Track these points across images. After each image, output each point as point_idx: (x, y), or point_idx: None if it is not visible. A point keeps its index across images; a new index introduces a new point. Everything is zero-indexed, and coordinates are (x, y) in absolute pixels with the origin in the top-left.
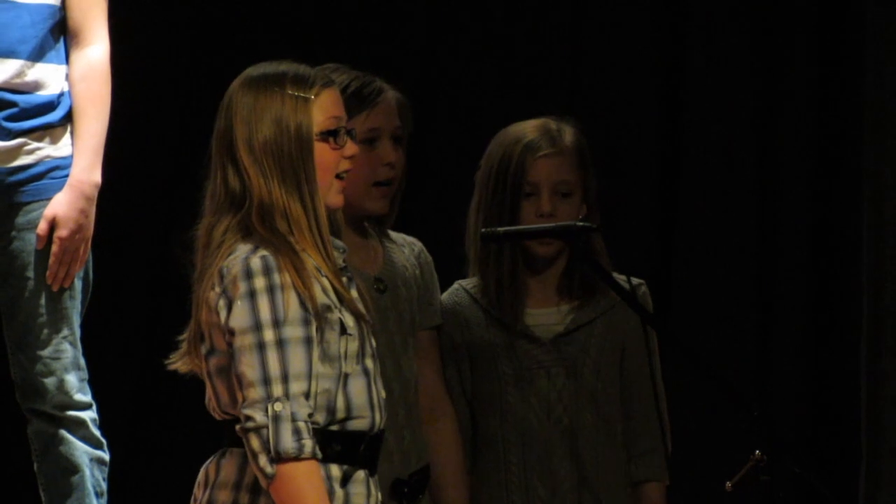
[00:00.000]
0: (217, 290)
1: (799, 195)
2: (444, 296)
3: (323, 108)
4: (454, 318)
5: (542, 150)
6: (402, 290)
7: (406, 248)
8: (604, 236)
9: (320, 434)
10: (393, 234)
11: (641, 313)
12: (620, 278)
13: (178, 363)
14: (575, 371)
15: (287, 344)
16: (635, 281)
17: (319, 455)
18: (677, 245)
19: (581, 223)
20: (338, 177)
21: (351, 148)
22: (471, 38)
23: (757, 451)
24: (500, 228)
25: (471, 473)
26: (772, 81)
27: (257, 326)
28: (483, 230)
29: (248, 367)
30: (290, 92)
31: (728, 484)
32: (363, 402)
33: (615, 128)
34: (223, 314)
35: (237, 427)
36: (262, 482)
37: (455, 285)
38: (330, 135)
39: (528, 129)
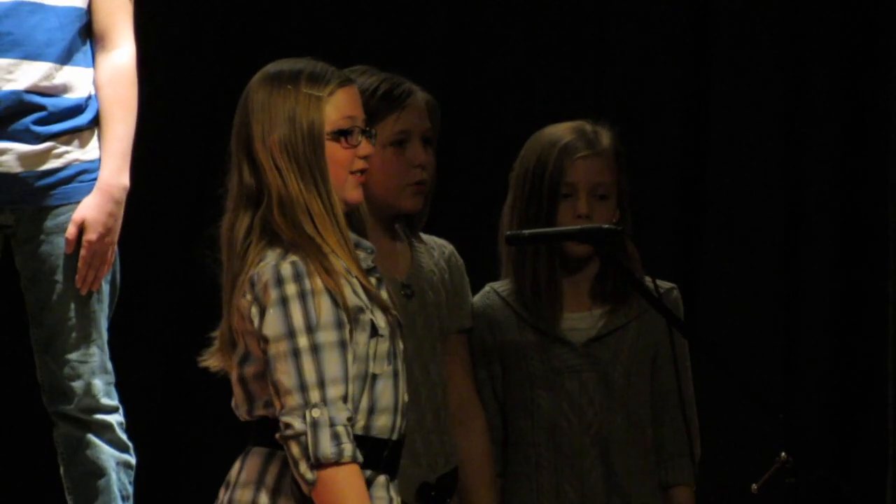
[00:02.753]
0: (249, 297)
1: (825, 198)
2: (476, 298)
3: (337, 107)
4: (485, 320)
5: (579, 152)
6: (429, 295)
7: (436, 250)
8: (632, 239)
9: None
10: (424, 236)
11: (668, 317)
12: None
13: (210, 360)
14: (606, 376)
15: (322, 349)
16: (667, 285)
17: (360, 458)
18: (703, 248)
19: (607, 226)
20: (354, 172)
21: (366, 148)
22: (497, 42)
23: (783, 454)
24: (525, 231)
25: (501, 476)
26: (798, 85)
27: (291, 333)
28: (508, 233)
29: (284, 374)
30: (304, 90)
31: (754, 486)
32: (388, 403)
33: (641, 131)
34: (256, 322)
35: (277, 435)
36: (304, 489)
37: (486, 288)
38: (342, 134)
39: (564, 131)
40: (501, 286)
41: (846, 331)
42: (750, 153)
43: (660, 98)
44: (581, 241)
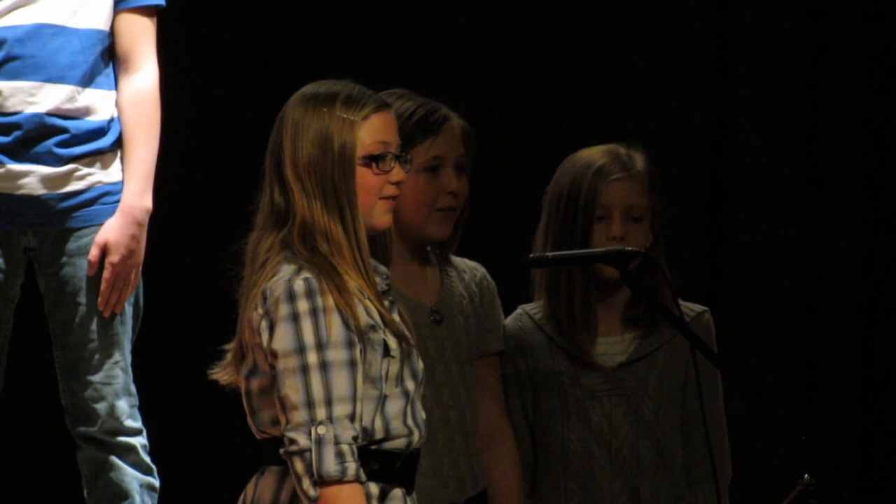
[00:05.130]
0: (259, 311)
1: (848, 216)
2: (508, 320)
3: (371, 132)
4: (517, 343)
5: (614, 174)
6: (458, 319)
7: (467, 273)
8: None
9: (359, 453)
10: (456, 259)
11: (693, 341)
12: (685, 306)
13: (220, 373)
14: (635, 401)
15: (331, 367)
16: (699, 308)
17: (363, 478)
18: (725, 269)
19: (630, 248)
20: (384, 197)
21: (398, 174)
22: (522, 67)
23: (806, 475)
24: (548, 254)
25: (529, 498)
26: (819, 104)
27: (301, 349)
28: (531, 255)
29: (292, 389)
30: (338, 112)
31: None
32: (399, 423)
33: (664, 151)
34: (265, 336)
35: (281, 451)
36: None
37: (519, 310)
38: (374, 159)
39: (597, 153)
40: (533, 309)
41: (870, 352)
42: (772, 173)
43: (682, 120)
44: (605, 264)
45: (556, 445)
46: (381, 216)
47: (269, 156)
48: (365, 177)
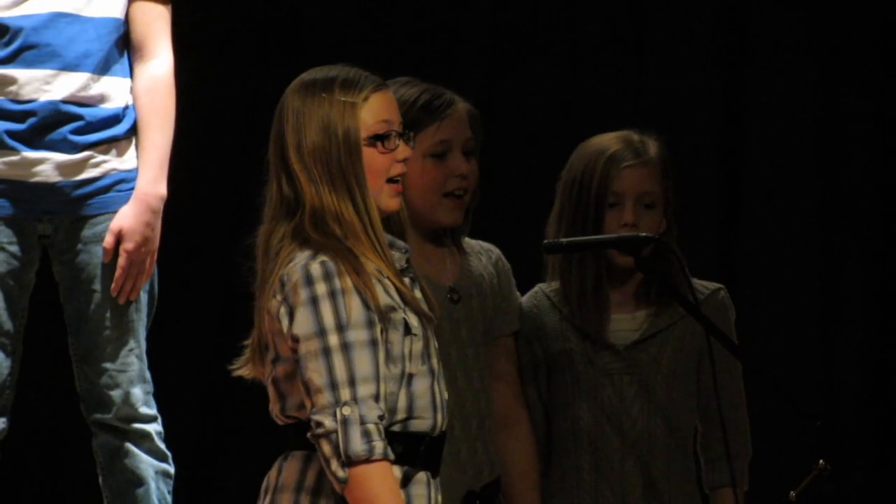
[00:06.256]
0: (278, 298)
1: (863, 203)
2: (525, 298)
3: (372, 112)
4: (532, 321)
5: (626, 161)
6: (475, 300)
7: (483, 255)
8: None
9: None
10: (470, 241)
11: (706, 325)
12: (700, 283)
13: (242, 369)
14: (647, 379)
15: (352, 347)
16: (714, 286)
17: (391, 456)
18: (740, 254)
19: (644, 234)
20: (392, 181)
21: (404, 150)
22: (536, 52)
23: (821, 461)
24: (563, 239)
25: (544, 476)
26: (834, 92)
27: (321, 332)
28: (546, 241)
29: (315, 372)
30: (338, 97)
31: (792, 494)
32: (426, 402)
33: (678, 136)
34: (285, 322)
35: (308, 434)
36: (336, 487)
37: (536, 288)
38: (378, 139)
39: (610, 140)
40: (550, 288)
41: (886, 337)
42: (786, 162)
43: (697, 107)
44: (618, 249)
45: (568, 424)
46: (388, 200)
47: (272, 147)
48: (371, 157)
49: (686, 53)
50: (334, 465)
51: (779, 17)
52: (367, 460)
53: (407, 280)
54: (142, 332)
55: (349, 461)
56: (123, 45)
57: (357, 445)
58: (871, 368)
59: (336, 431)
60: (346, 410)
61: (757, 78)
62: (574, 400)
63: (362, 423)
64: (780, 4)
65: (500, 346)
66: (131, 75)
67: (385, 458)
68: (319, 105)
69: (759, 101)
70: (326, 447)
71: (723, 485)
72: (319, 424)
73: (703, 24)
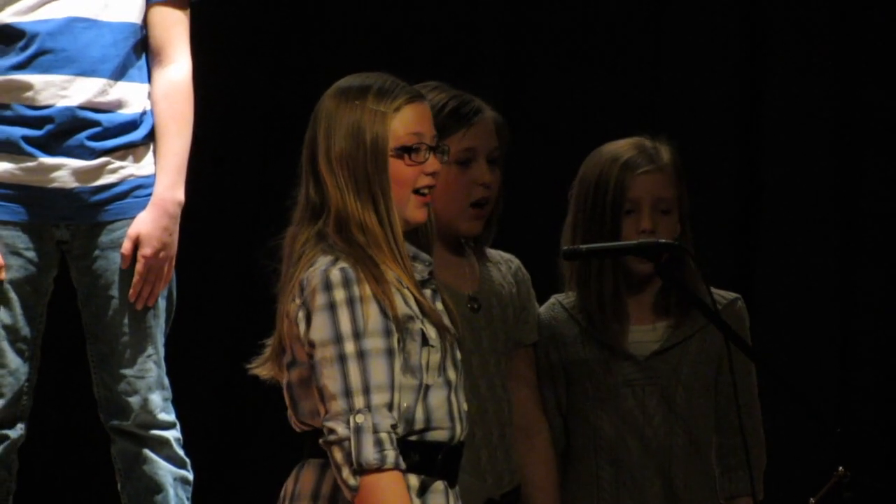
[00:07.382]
0: (297, 301)
1: (881, 210)
2: (542, 310)
3: (404, 123)
4: (550, 333)
5: (641, 167)
6: (496, 310)
7: (503, 265)
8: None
9: (398, 444)
10: (490, 251)
11: (726, 332)
12: (717, 293)
13: (260, 368)
14: (667, 389)
15: (368, 355)
16: (731, 296)
17: (403, 466)
18: (758, 261)
19: (664, 240)
20: (419, 192)
21: (433, 164)
22: (553, 59)
23: (840, 468)
24: (582, 246)
25: (562, 487)
26: (853, 93)
27: (338, 338)
28: (565, 248)
29: (330, 379)
30: (370, 105)
31: (812, 500)
32: (443, 414)
33: (697, 141)
34: (302, 326)
35: (321, 440)
36: (347, 495)
37: (552, 299)
38: (406, 151)
39: (623, 147)
40: (566, 299)
41: None
42: (805, 167)
43: (715, 114)
44: (639, 256)
45: (588, 433)
46: (414, 210)
47: (304, 150)
48: (398, 168)
49: (704, 60)
50: (345, 472)
51: (796, 23)
52: (379, 469)
53: (428, 292)
54: (160, 339)
55: (360, 469)
56: (141, 50)
57: (369, 454)
58: (890, 375)
59: (348, 439)
60: (360, 418)
61: (774, 84)
62: (594, 410)
63: (375, 431)
64: (797, 10)
65: (520, 357)
66: (149, 80)
67: (396, 467)
68: (351, 111)
69: (777, 108)
70: (338, 454)
71: (740, 494)
72: (332, 431)
73: (721, 30)
